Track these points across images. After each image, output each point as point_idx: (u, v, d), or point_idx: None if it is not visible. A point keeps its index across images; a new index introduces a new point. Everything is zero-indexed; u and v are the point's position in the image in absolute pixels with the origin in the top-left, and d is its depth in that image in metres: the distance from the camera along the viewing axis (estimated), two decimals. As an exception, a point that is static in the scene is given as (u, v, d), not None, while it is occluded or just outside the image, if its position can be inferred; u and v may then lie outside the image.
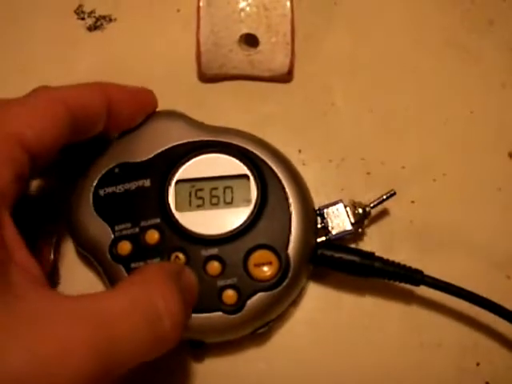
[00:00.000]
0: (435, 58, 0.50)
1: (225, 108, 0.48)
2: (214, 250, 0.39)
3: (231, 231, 0.40)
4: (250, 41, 0.48)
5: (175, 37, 0.50)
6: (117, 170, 0.41)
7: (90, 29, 0.51)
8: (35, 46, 0.50)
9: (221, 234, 0.40)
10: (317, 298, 0.44)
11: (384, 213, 0.45)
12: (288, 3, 0.47)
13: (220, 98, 0.49)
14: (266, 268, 0.39)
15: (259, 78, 0.48)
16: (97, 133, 0.39)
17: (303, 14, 0.49)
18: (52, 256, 0.43)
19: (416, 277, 0.41)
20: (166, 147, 0.42)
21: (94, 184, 0.41)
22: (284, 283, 0.39)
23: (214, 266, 0.39)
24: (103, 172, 0.41)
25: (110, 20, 0.51)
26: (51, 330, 0.28)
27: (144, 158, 0.42)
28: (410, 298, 0.44)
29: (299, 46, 0.49)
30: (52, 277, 0.43)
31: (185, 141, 0.42)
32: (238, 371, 0.43)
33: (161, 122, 0.43)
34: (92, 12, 0.51)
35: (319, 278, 0.44)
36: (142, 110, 0.42)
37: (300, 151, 0.47)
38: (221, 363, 0.43)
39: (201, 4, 0.47)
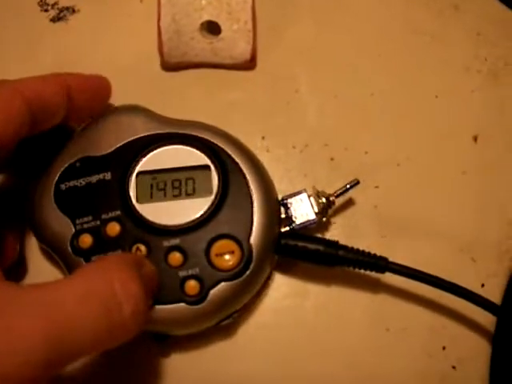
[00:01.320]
0: (400, 43, 0.49)
1: (188, 96, 0.48)
2: (175, 241, 0.39)
3: (192, 221, 0.40)
4: (212, 28, 0.48)
5: (138, 27, 0.50)
6: (78, 164, 0.41)
7: (54, 20, 0.51)
8: (-1, 38, 0.50)
9: (182, 225, 0.40)
10: (283, 289, 0.44)
11: (348, 198, 0.45)
12: (248, -10, 0.47)
13: (183, 86, 0.48)
14: (227, 257, 0.39)
15: (222, 66, 0.48)
16: (56, 123, 0.39)
17: (267, 2, 0.49)
18: (18, 248, 0.43)
19: (381, 264, 0.41)
20: (127, 140, 0.42)
21: (56, 178, 0.41)
22: (247, 273, 0.39)
23: (176, 257, 0.39)
24: (65, 166, 0.41)
25: (74, 11, 0.51)
26: (1, 321, 0.28)
27: (105, 152, 0.41)
28: (376, 286, 0.44)
29: (263, 33, 0.49)
30: (17, 268, 0.43)
31: (146, 134, 0.42)
32: (205, 365, 0.43)
33: (122, 116, 0.43)
34: (55, 4, 0.51)
35: (285, 269, 0.44)
36: (100, 96, 0.42)
37: (263, 138, 0.47)
38: (187, 357, 0.43)
39: (162, -8, 0.47)
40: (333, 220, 0.45)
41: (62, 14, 0.50)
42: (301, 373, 0.43)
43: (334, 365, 0.43)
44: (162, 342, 0.41)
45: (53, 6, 0.51)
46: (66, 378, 0.40)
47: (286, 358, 0.43)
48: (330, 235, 0.44)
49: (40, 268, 0.45)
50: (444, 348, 0.43)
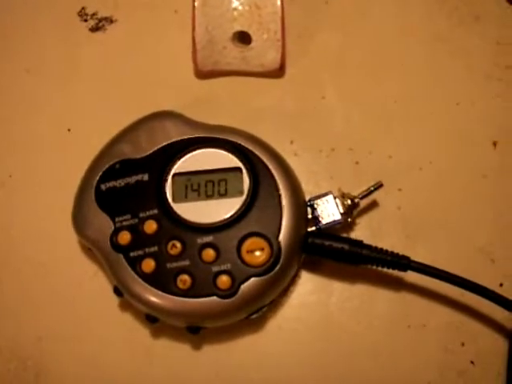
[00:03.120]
0: (422, 52, 0.51)
1: (220, 103, 0.51)
2: (208, 238, 0.42)
3: (225, 220, 0.42)
4: (243, 38, 0.50)
5: (173, 36, 0.52)
6: (117, 166, 0.44)
7: (93, 30, 0.53)
8: (41, 47, 0.53)
9: (215, 223, 0.42)
10: (308, 286, 0.46)
11: (372, 200, 0.47)
12: (278, 1, 0.49)
13: (215, 93, 0.51)
14: (258, 253, 0.41)
15: (252, 74, 0.50)
16: None
17: (295, 12, 0.51)
18: None
19: (403, 262, 0.42)
20: (163, 144, 0.44)
21: (97, 179, 0.44)
22: (276, 268, 0.41)
23: (209, 253, 0.41)
24: (105, 167, 0.44)
25: (112, 21, 0.53)
26: None
27: (143, 155, 0.44)
28: (398, 284, 0.45)
29: (291, 42, 0.51)
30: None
31: (181, 138, 0.44)
32: (234, 356, 0.45)
33: (158, 121, 0.45)
34: (94, 14, 0.53)
35: (311, 266, 0.46)
36: None
37: (292, 142, 0.49)
38: (218, 348, 0.45)
39: (196, 4, 0.49)
40: (357, 221, 0.47)
41: (100, 24, 0.53)
42: (324, 365, 0.45)
43: (356, 358, 0.45)
44: (195, 333, 0.43)
45: (92, 16, 0.53)
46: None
47: (310, 350, 0.45)
48: (354, 235, 0.46)
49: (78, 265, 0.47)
50: (463, 344, 0.44)
